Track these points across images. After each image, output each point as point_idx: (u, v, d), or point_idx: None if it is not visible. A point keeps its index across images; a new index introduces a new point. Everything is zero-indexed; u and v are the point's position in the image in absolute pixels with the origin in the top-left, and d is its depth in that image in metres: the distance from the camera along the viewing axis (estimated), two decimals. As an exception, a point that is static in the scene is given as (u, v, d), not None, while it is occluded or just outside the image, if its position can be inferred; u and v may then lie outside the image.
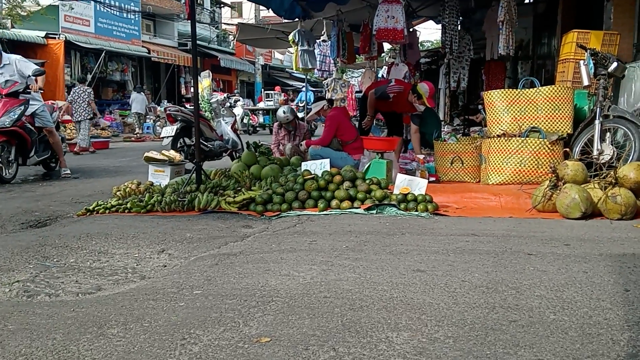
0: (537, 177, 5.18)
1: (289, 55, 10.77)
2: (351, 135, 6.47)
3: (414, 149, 6.89)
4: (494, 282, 2.68)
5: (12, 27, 16.53)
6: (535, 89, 5.60)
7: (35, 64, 7.76)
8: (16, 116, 6.69)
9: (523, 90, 5.64)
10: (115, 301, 2.55)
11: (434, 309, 2.33)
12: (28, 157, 7.15)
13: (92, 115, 12.59)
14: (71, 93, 12.94)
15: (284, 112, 7.67)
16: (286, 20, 10.18)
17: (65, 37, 17.75)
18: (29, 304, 2.60)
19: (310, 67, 9.94)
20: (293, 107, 11.32)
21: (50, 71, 13.73)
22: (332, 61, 10.19)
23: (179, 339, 2.08)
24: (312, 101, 14.58)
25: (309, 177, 5.00)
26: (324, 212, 4.66)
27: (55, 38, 17.60)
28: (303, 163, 5.60)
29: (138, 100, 18.01)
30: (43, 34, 17.32)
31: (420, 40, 12.55)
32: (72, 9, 18.55)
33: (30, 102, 7.00)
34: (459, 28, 9.14)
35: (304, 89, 18.85)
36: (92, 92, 12.91)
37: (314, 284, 2.70)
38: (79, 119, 12.37)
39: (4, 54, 7.20)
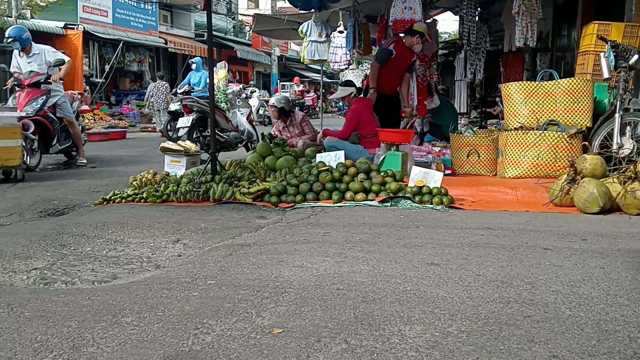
0: (554, 170, 5.11)
1: (305, 45, 10.25)
2: (371, 129, 6.32)
3: (402, 96, 6.72)
4: (509, 276, 2.65)
5: (32, 17, 16.68)
6: (554, 81, 5.52)
7: None
8: (38, 106, 6.84)
9: (541, 82, 5.56)
10: (130, 290, 2.58)
11: (448, 302, 2.32)
12: (51, 145, 7.27)
13: (167, 106, 13.83)
14: (150, 88, 15.33)
15: (273, 100, 7.72)
16: (302, 11, 10.13)
17: (84, 28, 17.87)
18: (46, 291, 2.64)
19: (317, 58, 9.87)
20: (287, 96, 10.94)
21: (68, 61, 13.92)
22: (346, 52, 10.11)
23: (192, 328, 2.09)
24: (202, 84, 12.43)
25: (323, 168, 4.99)
26: (338, 204, 4.66)
27: (73, 29, 17.72)
28: (317, 155, 5.59)
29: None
30: (62, 24, 17.45)
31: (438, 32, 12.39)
32: (91, -1, 18.68)
33: (52, 93, 7.11)
34: (477, 19, 9.01)
35: (194, 65, 13.34)
36: (168, 87, 15.23)
37: (327, 276, 2.70)
38: (158, 109, 14.66)
39: (33, 44, 7.32)
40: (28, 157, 6.84)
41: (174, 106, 11.94)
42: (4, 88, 6.74)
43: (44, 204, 4.92)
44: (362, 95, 7.31)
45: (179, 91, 12.45)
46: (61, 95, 7.37)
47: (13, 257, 3.17)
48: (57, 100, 7.24)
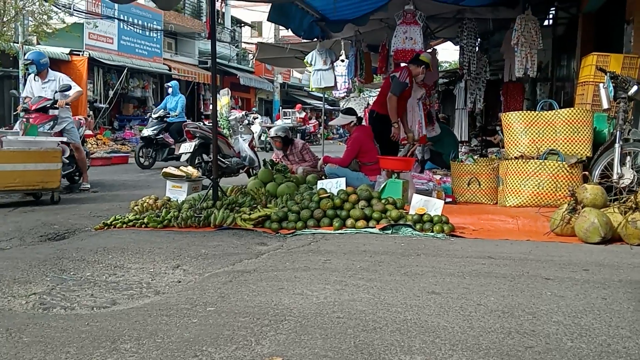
0: (555, 200, 5.12)
1: (307, 74, 10.25)
2: (371, 157, 6.37)
3: (390, 115, 6.57)
4: (510, 306, 2.64)
5: (38, 43, 16.94)
6: (554, 111, 5.57)
7: None
8: (45, 131, 6.88)
9: (541, 112, 5.61)
10: (130, 316, 2.57)
11: (449, 332, 2.30)
12: None
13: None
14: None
15: (274, 131, 7.79)
16: (305, 40, 10.29)
17: (89, 54, 18.13)
18: (45, 316, 2.62)
19: (323, 86, 10.02)
20: (287, 126, 10.65)
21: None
22: (345, 80, 10.25)
23: (191, 356, 2.08)
24: (178, 109, 11.84)
25: (324, 195, 5.01)
26: (339, 231, 4.65)
27: (79, 55, 17.99)
28: (319, 182, 5.61)
29: None
30: (67, 50, 17.72)
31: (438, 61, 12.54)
32: (97, 26, 18.97)
33: (59, 119, 7.18)
34: (477, 50, 9.15)
35: (170, 90, 12.42)
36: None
37: (327, 304, 2.68)
38: None
39: (50, 70, 7.48)
40: None
41: (147, 132, 11.53)
42: (14, 113, 6.84)
43: (45, 228, 4.92)
44: (363, 124, 7.36)
45: (153, 116, 12.01)
46: (70, 121, 7.46)
47: (12, 281, 3.16)
48: (65, 126, 7.32)
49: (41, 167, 6.17)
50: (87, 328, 2.40)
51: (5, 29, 15.25)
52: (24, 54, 14.39)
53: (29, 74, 7.52)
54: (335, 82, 10.25)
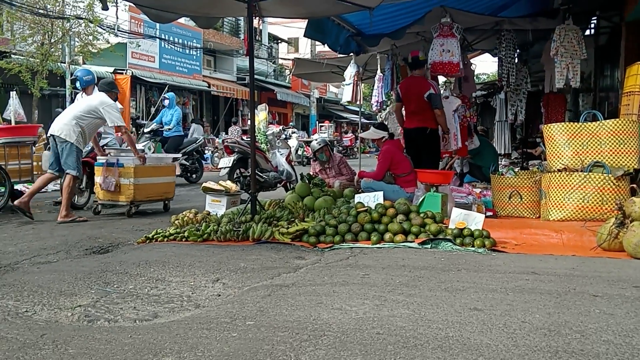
0: (601, 213, 4.95)
1: (343, 89, 10.28)
2: (404, 168, 6.38)
3: (442, 128, 6.66)
4: (557, 324, 2.55)
5: (84, 63, 17.61)
6: (598, 122, 5.41)
7: None
8: (89, 148, 7.16)
9: (585, 123, 5.46)
10: (171, 329, 2.60)
11: (492, 350, 2.24)
12: None
13: None
14: (229, 131, 18.02)
15: (317, 142, 7.99)
16: (341, 55, 10.34)
17: (132, 73, 18.70)
18: (89, 328, 2.68)
19: (344, 100, 10.12)
20: (326, 139, 10.59)
21: (116, 104, 14.54)
22: (377, 94, 10.26)
23: (231, 370, 2.08)
24: (173, 123, 11.25)
25: (362, 209, 4.99)
26: (377, 245, 4.62)
27: (122, 73, 18.54)
28: (356, 195, 5.59)
29: (198, 131, 18.74)
30: (111, 69, 18.32)
31: (475, 73, 12.42)
32: (139, 46, 19.60)
33: (103, 135, 7.46)
34: (516, 61, 9.00)
35: (166, 102, 11.90)
36: (240, 131, 17.73)
37: (367, 320, 2.66)
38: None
39: (96, 88, 7.78)
40: (77, 196, 7.15)
41: (139, 146, 10.76)
42: None
43: (90, 241, 5.06)
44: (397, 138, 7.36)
45: (145, 130, 11.41)
46: (112, 137, 7.74)
47: (59, 293, 3.25)
48: (107, 142, 7.60)
49: (165, 180, 7.18)
50: (130, 340, 2.44)
51: (52, 49, 15.92)
52: (71, 74, 14.99)
53: (76, 93, 7.88)
54: (354, 97, 10.20)
